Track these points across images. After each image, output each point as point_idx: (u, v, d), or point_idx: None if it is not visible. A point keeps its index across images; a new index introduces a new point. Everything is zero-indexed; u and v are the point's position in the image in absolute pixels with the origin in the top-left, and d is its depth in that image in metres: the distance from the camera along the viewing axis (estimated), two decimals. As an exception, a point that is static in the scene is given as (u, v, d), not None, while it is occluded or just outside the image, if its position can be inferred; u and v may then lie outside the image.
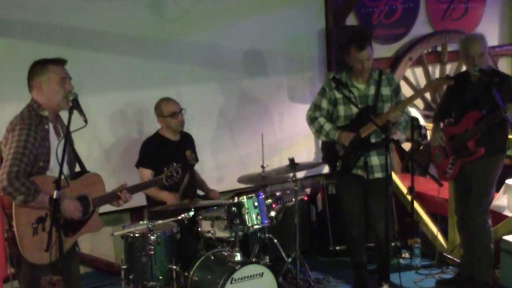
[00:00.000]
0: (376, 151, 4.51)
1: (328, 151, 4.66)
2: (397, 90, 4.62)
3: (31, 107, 3.30)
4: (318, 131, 4.58)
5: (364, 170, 4.51)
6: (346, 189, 4.72)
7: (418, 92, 4.76)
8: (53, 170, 3.26)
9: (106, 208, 3.69)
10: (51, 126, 3.32)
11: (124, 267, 4.09)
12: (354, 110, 4.48)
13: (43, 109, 3.29)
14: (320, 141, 4.86)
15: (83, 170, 3.50)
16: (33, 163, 3.18)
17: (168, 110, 4.68)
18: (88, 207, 3.39)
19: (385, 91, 4.54)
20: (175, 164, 3.96)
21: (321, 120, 4.56)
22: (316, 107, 4.61)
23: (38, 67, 3.33)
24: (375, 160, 4.52)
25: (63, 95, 3.31)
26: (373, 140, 4.50)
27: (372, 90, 4.53)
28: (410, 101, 4.51)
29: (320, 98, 4.60)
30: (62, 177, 3.09)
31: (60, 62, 3.36)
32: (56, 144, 3.28)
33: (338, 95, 4.50)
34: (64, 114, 3.36)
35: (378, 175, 4.50)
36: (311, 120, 4.61)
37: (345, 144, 4.47)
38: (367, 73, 4.51)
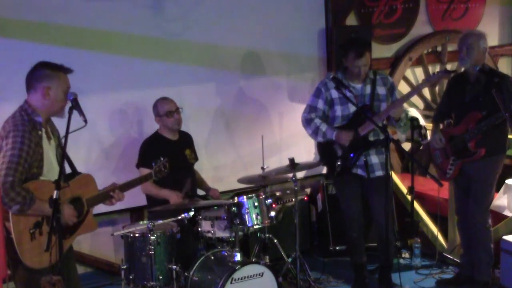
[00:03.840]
0: (375, 149, 4.52)
1: (325, 152, 4.65)
2: (392, 89, 4.63)
3: (24, 111, 3.26)
4: (315, 132, 4.57)
5: (364, 169, 4.51)
6: (345, 191, 4.71)
7: (416, 88, 4.76)
8: (46, 175, 3.25)
9: (106, 208, 3.69)
10: (43, 131, 3.29)
11: (124, 267, 4.08)
12: (351, 109, 4.48)
13: (37, 114, 3.26)
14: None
15: (74, 172, 3.49)
16: (27, 170, 3.16)
17: (164, 109, 4.68)
18: (82, 208, 3.39)
19: (381, 90, 4.56)
20: (162, 159, 3.97)
21: (317, 121, 4.55)
22: (311, 108, 4.60)
23: (49, 71, 3.28)
24: (374, 158, 4.53)
25: (64, 104, 3.31)
26: (371, 138, 4.50)
27: (368, 89, 4.54)
28: (408, 97, 4.54)
29: (316, 99, 4.59)
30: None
31: (68, 71, 3.34)
32: (47, 149, 3.27)
33: (335, 95, 4.50)
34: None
35: (379, 173, 4.50)
36: (307, 121, 4.60)
37: (345, 144, 4.47)
38: (363, 75, 4.52)
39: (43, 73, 3.28)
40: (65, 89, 3.30)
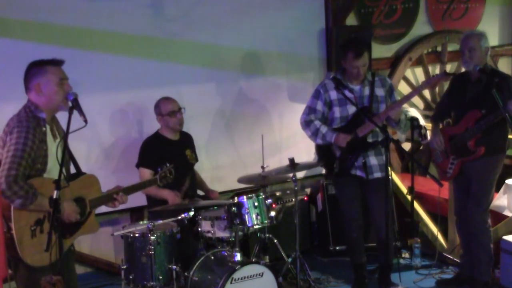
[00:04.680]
0: (373, 151, 4.52)
1: (324, 153, 4.65)
2: (390, 90, 4.63)
3: (28, 108, 3.27)
4: (314, 134, 4.56)
5: (363, 170, 4.51)
6: (344, 192, 4.70)
7: (416, 90, 4.77)
8: (50, 172, 3.25)
9: (106, 208, 3.68)
10: (48, 128, 3.30)
11: (124, 267, 4.09)
12: (350, 111, 4.48)
13: (40, 111, 3.27)
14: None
15: (79, 172, 3.49)
16: (31, 166, 3.16)
17: (166, 109, 4.69)
18: (85, 209, 3.39)
19: (379, 92, 4.56)
20: (168, 165, 3.97)
21: (317, 123, 4.55)
22: (311, 110, 4.60)
23: (36, 69, 3.29)
24: (373, 160, 4.52)
25: (62, 96, 3.29)
26: (370, 140, 4.50)
27: (366, 91, 4.53)
28: (408, 98, 4.55)
29: (315, 101, 4.59)
30: (62, 177, 3.08)
31: (58, 63, 3.33)
32: (52, 146, 3.27)
33: (334, 97, 4.51)
34: (61, 115, 3.36)
35: (378, 175, 4.50)
36: (306, 123, 4.60)
37: (342, 146, 4.47)
38: (362, 76, 4.52)
39: (31, 71, 3.30)
40: (56, 81, 3.28)
